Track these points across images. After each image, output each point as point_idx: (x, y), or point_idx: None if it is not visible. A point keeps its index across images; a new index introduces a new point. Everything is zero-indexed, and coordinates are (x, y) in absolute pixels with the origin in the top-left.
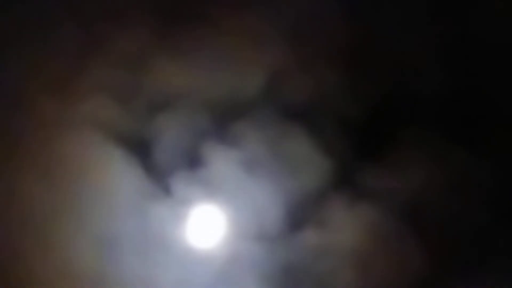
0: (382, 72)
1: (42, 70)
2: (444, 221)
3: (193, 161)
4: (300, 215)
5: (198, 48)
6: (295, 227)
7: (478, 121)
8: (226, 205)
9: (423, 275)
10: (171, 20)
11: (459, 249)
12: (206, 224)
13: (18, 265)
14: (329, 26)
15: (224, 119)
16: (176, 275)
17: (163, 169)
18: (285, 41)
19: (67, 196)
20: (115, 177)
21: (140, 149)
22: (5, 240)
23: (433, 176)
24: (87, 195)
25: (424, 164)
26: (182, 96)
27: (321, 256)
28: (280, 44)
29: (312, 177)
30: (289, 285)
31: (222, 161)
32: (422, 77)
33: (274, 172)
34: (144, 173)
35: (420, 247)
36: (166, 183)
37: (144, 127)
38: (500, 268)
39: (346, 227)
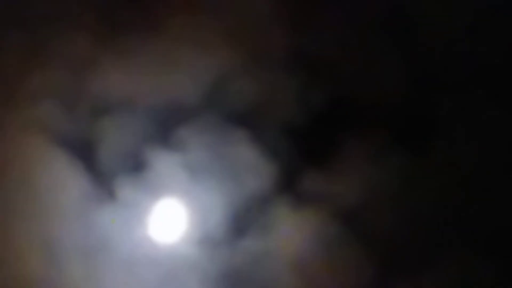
0: (325, 77)
1: None
2: (387, 226)
3: (137, 165)
4: (243, 220)
5: (142, 53)
6: (238, 232)
7: (420, 126)
8: (170, 209)
9: (367, 280)
10: (115, 24)
11: (402, 254)
12: (150, 228)
13: None
14: (273, 31)
15: (167, 124)
16: (120, 278)
17: (107, 173)
18: (229, 45)
19: (10, 199)
20: (59, 180)
21: (84, 152)
22: None
23: (376, 181)
24: (31, 199)
25: (367, 169)
26: (126, 100)
27: (265, 261)
28: (223, 49)
29: (256, 182)
30: None
31: (165, 165)
32: (365, 82)
33: (217, 177)
34: (88, 177)
35: (363, 252)
36: (110, 186)
37: (88, 131)
38: (444, 272)
39: (290, 232)
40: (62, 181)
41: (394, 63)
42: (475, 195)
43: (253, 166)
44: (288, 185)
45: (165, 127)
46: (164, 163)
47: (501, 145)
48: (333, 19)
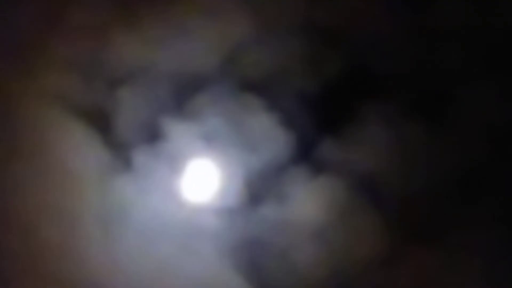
0: (342, 47)
1: (1, 44)
2: (403, 193)
3: (153, 134)
4: (260, 189)
5: (158, 22)
6: (255, 201)
7: (435, 97)
8: (186, 178)
9: (382, 248)
10: None
11: (417, 223)
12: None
13: None
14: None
15: (183, 93)
16: (138, 247)
17: (124, 143)
18: (243, 15)
19: (28, 169)
20: (76, 150)
21: (100, 122)
22: None
23: (392, 150)
24: (48, 169)
25: (383, 138)
26: (141, 70)
27: (281, 230)
28: (239, 18)
29: (272, 151)
30: (250, 258)
31: (181, 135)
32: (381, 52)
33: (233, 146)
34: (104, 146)
35: (380, 219)
36: (127, 156)
37: (104, 101)
38: (459, 241)
39: (306, 201)
40: (79, 150)
41: (409, 31)
42: (490, 162)
43: (269, 134)
44: (305, 153)
45: (181, 97)
46: (180, 133)
47: None
48: None
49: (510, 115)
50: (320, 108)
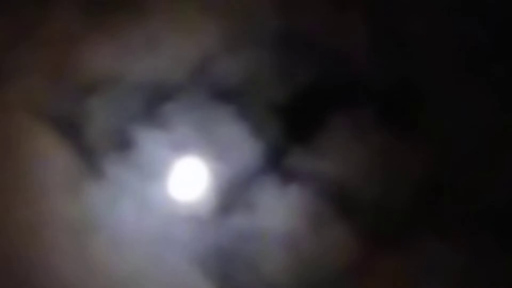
0: (311, 56)
1: None
2: (372, 203)
3: (123, 142)
4: (229, 198)
5: (128, 31)
6: (225, 210)
7: (406, 106)
8: (155, 186)
9: (352, 256)
10: (101, 3)
11: (388, 231)
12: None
13: None
14: (259, 9)
15: (153, 102)
16: (107, 256)
17: (94, 151)
18: (214, 24)
19: None
20: (45, 158)
21: (71, 130)
22: None
23: (361, 159)
24: (16, 176)
25: (352, 147)
26: (111, 79)
27: (251, 238)
28: (208, 28)
29: (241, 160)
30: (220, 267)
31: (151, 143)
32: (351, 61)
33: (203, 155)
34: (74, 154)
35: (350, 228)
36: (97, 164)
37: (74, 109)
38: (430, 248)
39: (276, 210)
40: (48, 158)
41: (378, 40)
42: (460, 172)
43: (238, 143)
44: (274, 162)
45: (151, 105)
46: (150, 141)
47: (485, 121)
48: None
49: (479, 123)
50: (289, 117)
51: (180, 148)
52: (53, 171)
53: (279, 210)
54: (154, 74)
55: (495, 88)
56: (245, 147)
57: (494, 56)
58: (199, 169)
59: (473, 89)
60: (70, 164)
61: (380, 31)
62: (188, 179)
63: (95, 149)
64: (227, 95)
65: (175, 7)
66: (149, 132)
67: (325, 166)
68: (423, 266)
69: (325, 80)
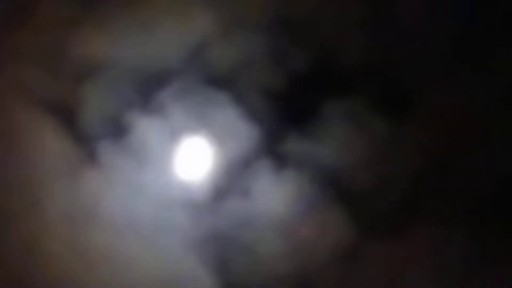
0: (306, 42)
1: None
2: (367, 188)
3: (119, 129)
4: (225, 183)
5: (123, 18)
6: (220, 195)
7: (401, 93)
8: (151, 172)
9: (347, 241)
10: None
11: (382, 216)
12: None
13: None
14: None
15: (148, 88)
16: (103, 241)
17: (90, 137)
18: (209, 9)
19: None
20: (41, 144)
21: (66, 117)
22: None
23: (356, 145)
24: (12, 163)
25: (347, 133)
26: (106, 65)
27: (247, 224)
28: (203, 13)
29: (237, 145)
30: (216, 252)
31: (147, 129)
32: (346, 48)
33: (198, 140)
34: (70, 141)
35: (345, 213)
36: (93, 151)
37: (69, 96)
38: (424, 234)
39: (271, 195)
40: (44, 145)
41: (375, 27)
42: (454, 159)
43: (234, 129)
44: (269, 147)
45: (146, 91)
46: (146, 127)
47: (479, 111)
48: None
49: (473, 111)
50: (285, 103)
51: (176, 134)
52: (49, 158)
53: (275, 195)
54: (148, 60)
55: (489, 76)
56: (241, 132)
57: (487, 45)
58: (195, 155)
59: (467, 76)
60: (66, 150)
61: (375, 18)
62: (184, 164)
63: (91, 135)
64: (223, 81)
65: None
66: (144, 118)
67: (320, 152)
68: (418, 252)
69: (321, 66)
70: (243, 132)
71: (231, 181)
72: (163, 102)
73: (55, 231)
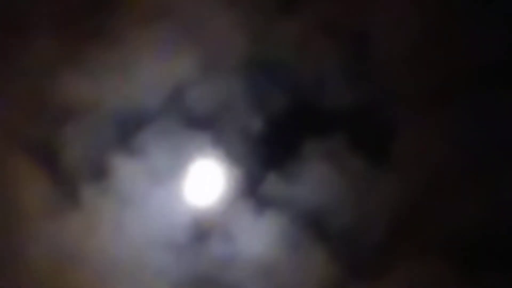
0: (284, 83)
1: None
2: (347, 229)
3: (99, 170)
4: (206, 225)
5: (103, 60)
6: (201, 237)
7: (378, 133)
8: (132, 213)
9: (330, 281)
10: (76, 33)
11: (364, 255)
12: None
13: None
14: (232, 37)
15: (129, 130)
16: (85, 283)
17: (71, 179)
18: (188, 52)
19: None
20: (23, 186)
21: (47, 159)
22: None
23: (335, 185)
24: None
25: (326, 173)
26: (87, 107)
27: (228, 265)
28: (183, 55)
29: (216, 187)
30: None
31: (127, 171)
32: (324, 89)
33: (178, 182)
34: (51, 183)
35: (325, 254)
36: (74, 192)
37: (50, 138)
38: (405, 273)
39: (252, 236)
40: (25, 186)
41: (354, 69)
42: (433, 199)
43: (214, 170)
44: (250, 189)
45: (126, 133)
46: (126, 168)
47: (460, 148)
48: (290, 25)
49: (451, 152)
50: (264, 144)
51: (156, 175)
52: (30, 200)
53: (256, 237)
54: (129, 102)
55: (465, 116)
56: (221, 174)
57: (463, 85)
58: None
59: (444, 116)
60: (48, 192)
61: (352, 59)
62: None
63: (72, 177)
64: (202, 122)
65: (150, 36)
66: (124, 159)
67: (300, 192)
68: None
69: (299, 107)
70: (223, 174)
71: (211, 223)
72: (143, 144)
73: (37, 273)
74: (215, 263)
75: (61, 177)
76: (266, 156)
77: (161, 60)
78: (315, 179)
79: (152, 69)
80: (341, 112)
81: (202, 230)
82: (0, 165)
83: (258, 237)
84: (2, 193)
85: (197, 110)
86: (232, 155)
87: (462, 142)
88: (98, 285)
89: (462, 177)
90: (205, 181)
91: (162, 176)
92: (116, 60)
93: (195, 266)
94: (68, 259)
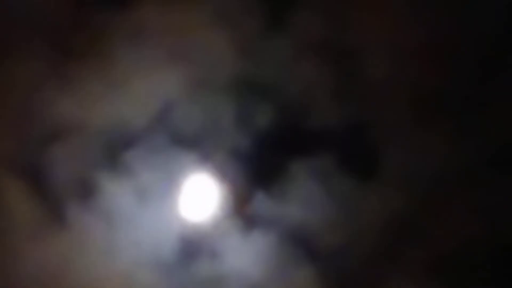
0: (272, 102)
1: None
2: (335, 247)
3: (86, 190)
4: (194, 244)
5: (89, 78)
6: (189, 256)
7: (366, 151)
8: (119, 233)
9: None
10: (64, 52)
11: (352, 274)
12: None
13: None
14: (219, 56)
15: (115, 148)
16: None
17: (58, 199)
18: (175, 70)
19: None
20: (9, 205)
21: (34, 178)
22: None
23: (323, 204)
24: None
25: (314, 193)
26: (74, 125)
27: (216, 284)
28: (169, 74)
29: (204, 206)
30: None
31: (114, 190)
32: (311, 107)
33: (166, 201)
34: (39, 203)
35: (313, 273)
36: (61, 212)
37: (36, 157)
38: None
39: (240, 256)
40: (11, 205)
41: (342, 88)
42: (422, 217)
43: (201, 189)
44: (237, 208)
45: (113, 152)
46: (113, 187)
47: (448, 166)
48: (279, 43)
49: (439, 168)
50: (251, 162)
51: (143, 194)
52: (16, 219)
53: (243, 256)
54: (116, 120)
55: (453, 134)
56: (208, 193)
57: (451, 101)
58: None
59: (432, 134)
60: (34, 212)
61: (340, 78)
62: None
63: (59, 196)
64: (189, 141)
65: (137, 54)
66: (111, 178)
67: (288, 211)
68: None
69: (287, 126)
70: (210, 193)
71: (199, 242)
72: (131, 163)
73: None
74: (204, 282)
75: (48, 197)
76: (253, 175)
77: (148, 79)
78: (303, 198)
79: (139, 87)
80: (329, 131)
81: (190, 249)
82: None
83: (246, 256)
84: None
85: (185, 128)
86: (219, 174)
87: (450, 160)
88: None
89: (451, 195)
90: (193, 199)
91: (150, 195)
92: (104, 78)
93: (183, 285)
94: (55, 279)
